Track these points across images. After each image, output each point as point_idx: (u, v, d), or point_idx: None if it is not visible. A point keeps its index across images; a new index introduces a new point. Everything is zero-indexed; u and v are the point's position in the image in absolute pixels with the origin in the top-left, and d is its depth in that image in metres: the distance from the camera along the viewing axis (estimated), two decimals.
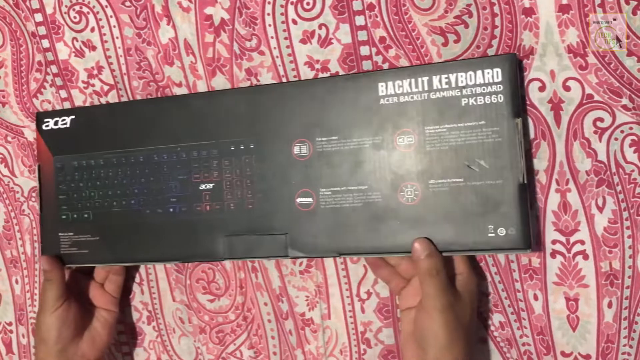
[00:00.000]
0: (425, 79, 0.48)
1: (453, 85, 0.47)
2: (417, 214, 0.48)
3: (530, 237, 0.46)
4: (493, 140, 0.47)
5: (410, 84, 0.48)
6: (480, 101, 0.47)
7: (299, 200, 0.52)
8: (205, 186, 0.54)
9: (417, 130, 0.48)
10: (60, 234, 0.59)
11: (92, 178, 0.58)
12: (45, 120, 0.59)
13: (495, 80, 0.46)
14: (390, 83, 0.49)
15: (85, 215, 0.58)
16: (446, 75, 0.47)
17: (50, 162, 0.59)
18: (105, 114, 0.58)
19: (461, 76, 0.47)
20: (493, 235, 0.47)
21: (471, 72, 0.47)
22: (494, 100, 0.46)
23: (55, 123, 0.59)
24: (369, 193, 0.50)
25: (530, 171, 0.49)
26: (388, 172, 0.49)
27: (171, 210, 0.55)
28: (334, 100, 0.50)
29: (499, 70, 0.46)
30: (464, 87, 0.47)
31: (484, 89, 0.47)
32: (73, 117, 0.58)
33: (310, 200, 0.51)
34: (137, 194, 0.56)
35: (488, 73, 0.47)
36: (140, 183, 0.56)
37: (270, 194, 0.52)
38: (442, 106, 0.48)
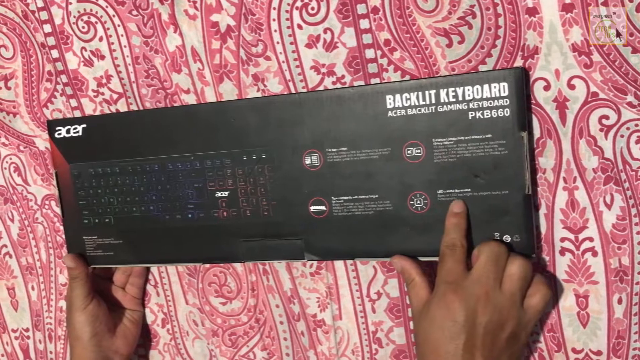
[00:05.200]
0: (433, 92, 0.49)
1: (460, 99, 0.48)
2: (427, 222, 0.50)
3: (534, 244, 0.48)
4: (499, 152, 0.47)
5: (417, 97, 0.49)
6: (487, 115, 0.47)
7: (312, 208, 0.53)
8: (221, 194, 0.55)
9: (425, 142, 0.49)
10: (84, 237, 0.60)
11: (109, 185, 0.59)
12: (57, 128, 0.60)
13: (502, 94, 0.47)
14: (398, 96, 0.49)
15: (107, 220, 0.59)
16: (453, 89, 0.48)
17: (67, 169, 0.60)
18: (117, 122, 0.59)
19: (468, 90, 0.48)
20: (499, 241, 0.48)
21: (478, 86, 0.47)
22: (501, 114, 0.47)
23: (68, 131, 0.60)
24: (379, 202, 0.51)
25: (535, 172, 0.50)
26: (397, 182, 0.50)
27: (190, 216, 0.57)
28: (342, 112, 0.51)
29: (506, 84, 0.47)
30: (470, 101, 0.48)
31: (490, 103, 0.47)
32: (85, 125, 0.59)
33: (323, 208, 0.53)
34: (155, 200, 0.57)
35: (495, 87, 0.47)
36: (157, 190, 0.57)
37: (284, 202, 0.54)
38: (450, 119, 0.48)
